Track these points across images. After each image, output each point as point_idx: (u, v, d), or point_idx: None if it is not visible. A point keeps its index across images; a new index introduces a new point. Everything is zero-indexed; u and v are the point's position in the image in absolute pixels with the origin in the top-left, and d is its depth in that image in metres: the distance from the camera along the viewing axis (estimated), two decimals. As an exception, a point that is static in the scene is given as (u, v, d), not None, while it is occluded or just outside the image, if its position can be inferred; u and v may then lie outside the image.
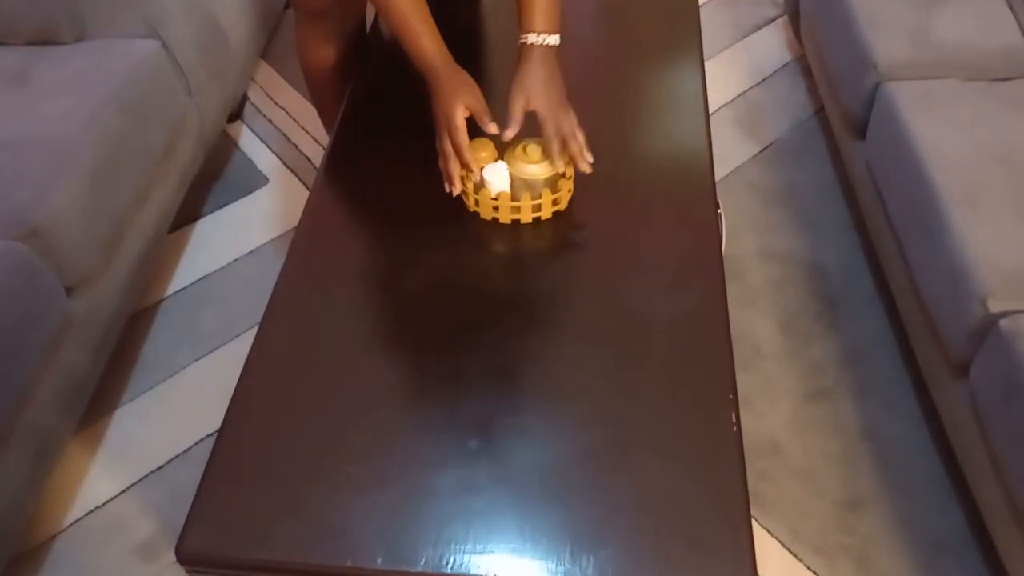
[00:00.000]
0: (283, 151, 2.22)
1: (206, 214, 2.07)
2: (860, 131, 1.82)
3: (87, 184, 1.50)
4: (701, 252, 1.22)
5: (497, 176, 1.22)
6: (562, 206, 1.26)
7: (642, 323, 1.13)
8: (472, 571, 0.90)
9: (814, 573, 1.44)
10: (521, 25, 1.25)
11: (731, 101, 2.33)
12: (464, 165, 1.22)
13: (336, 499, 0.96)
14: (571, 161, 1.24)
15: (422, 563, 0.91)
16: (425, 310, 1.15)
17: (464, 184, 1.24)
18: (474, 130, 1.22)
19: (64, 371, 1.46)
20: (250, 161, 2.20)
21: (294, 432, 1.02)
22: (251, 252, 1.98)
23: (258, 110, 2.33)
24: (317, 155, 2.19)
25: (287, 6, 2.51)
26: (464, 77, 1.25)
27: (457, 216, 1.26)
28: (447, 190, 1.24)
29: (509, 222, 1.25)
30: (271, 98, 2.37)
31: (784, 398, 1.68)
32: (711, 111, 2.30)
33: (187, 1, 1.90)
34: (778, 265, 1.92)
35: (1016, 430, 1.23)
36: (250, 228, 2.03)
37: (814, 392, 1.69)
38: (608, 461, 0.99)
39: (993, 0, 1.80)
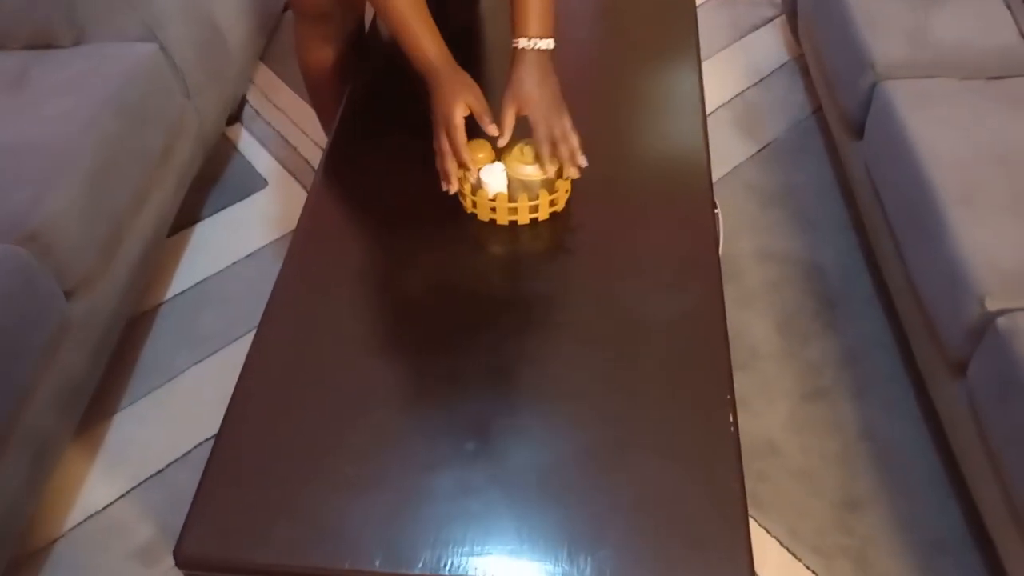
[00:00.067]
0: (282, 153, 2.22)
1: (205, 217, 2.07)
2: (858, 131, 1.82)
3: (85, 187, 1.50)
4: (698, 253, 1.22)
5: (494, 177, 1.22)
6: (559, 207, 1.27)
7: (639, 324, 1.13)
8: (470, 572, 0.90)
9: (813, 573, 1.44)
10: (514, 29, 1.25)
11: (729, 101, 2.33)
12: (461, 164, 1.22)
13: (334, 501, 0.96)
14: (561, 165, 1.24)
15: (420, 565, 0.91)
16: (423, 311, 1.15)
17: (462, 185, 1.24)
18: (472, 131, 1.23)
19: (63, 374, 1.46)
20: (249, 164, 2.20)
21: (292, 434, 1.02)
22: (250, 255, 1.98)
23: (257, 112, 2.34)
24: (316, 157, 2.20)
25: (286, 8, 2.51)
26: (465, 77, 1.25)
27: (455, 217, 1.26)
28: (444, 188, 1.24)
29: (506, 223, 1.25)
30: (270, 100, 2.37)
31: (782, 398, 1.68)
32: (709, 111, 2.30)
33: (185, 3, 1.90)
34: (776, 265, 1.92)
35: (1013, 428, 1.23)
36: (249, 231, 2.03)
37: (812, 392, 1.69)
38: (605, 462, 0.99)
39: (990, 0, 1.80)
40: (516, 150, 1.25)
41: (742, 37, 2.53)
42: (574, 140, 1.23)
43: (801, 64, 2.42)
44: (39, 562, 1.48)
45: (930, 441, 1.60)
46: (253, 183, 2.15)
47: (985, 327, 1.30)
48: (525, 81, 1.23)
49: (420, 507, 0.95)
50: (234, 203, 2.10)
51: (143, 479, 1.59)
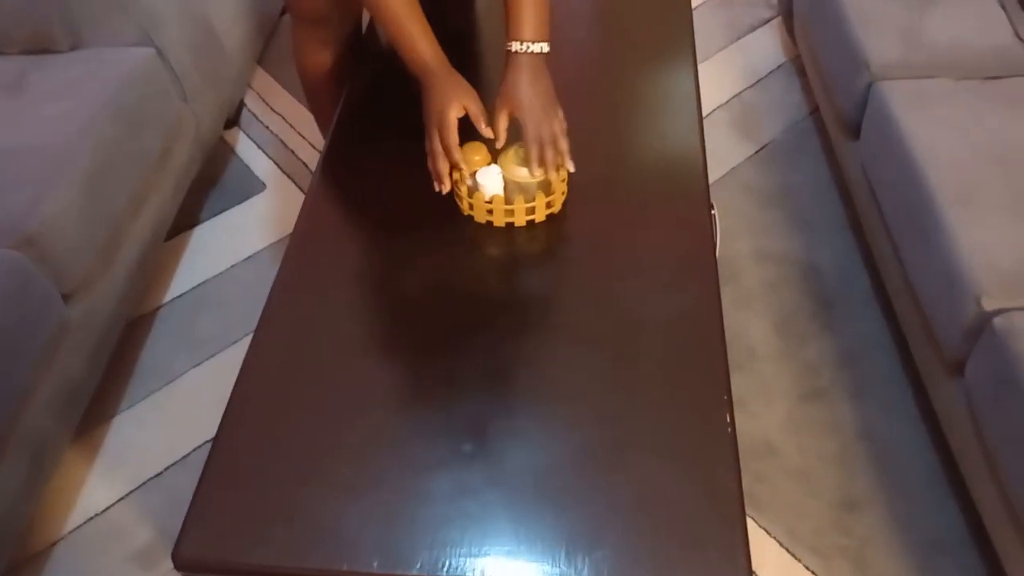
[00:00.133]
0: (280, 157, 2.23)
1: (203, 220, 2.07)
2: (854, 131, 1.83)
3: (83, 190, 1.50)
4: (695, 253, 1.22)
5: (491, 180, 1.23)
6: (556, 209, 1.27)
7: (636, 325, 1.13)
8: (468, 574, 0.90)
9: (812, 573, 1.44)
10: (508, 32, 1.25)
11: (726, 102, 2.33)
12: (453, 164, 1.22)
13: (332, 503, 0.96)
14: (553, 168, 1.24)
15: (418, 566, 0.91)
16: (420, 313, 1.16)
17: (458, 187, 1.24)
18: (468, 134, 1.23)
19: (61, 378, 1.46)
20: (247, 167, 2.20)
21: (290, 436, 1.03)
22: (248, 258, 1.98)
23: (255, 116, 2.34)
24: (314, 161, 2.20)
25: (283, 12, 2.51)
26: (461, 80, 1.25)
27: (451, 219, 1.26)
28: (436, 189, 1.24)
29: (503, 225, 1.25)
30: (268, 104, 2.38)
31: (779, 399, 1.68)
32: (706, 113, 2.30)
33: (182, 8, 1.90)
34: (773, 266, 1.92)
35: (1010, 428, 1.23)
36: (247, 234, 2.04)
37: (809, 393, 1.69)
38: (603, 463, 0.99)
39: None
40: (512, 152, 1.25)
41: (739, 38, 2.54)
42: (563, 144, 1.23)
43: (798, 65, 2.42)
44: (38, 565, 1.48)
45: (928, 441, 1.61)
46: (251, 186, 2.15)
47: (982, 327, 1.31)
48: (517, 84, 1.23)
49: (418, 508, 0.95)
50: (232, 206, 2.10)
51: (142, 482, 1.59)
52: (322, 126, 1.90)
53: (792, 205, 2.05)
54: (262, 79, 2.46)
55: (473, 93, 1.24)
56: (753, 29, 2.57)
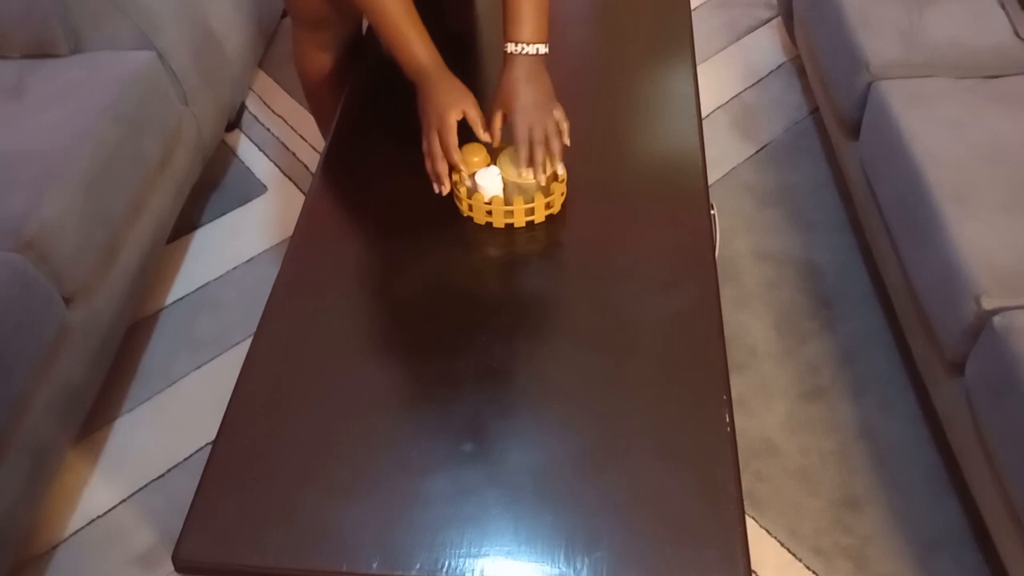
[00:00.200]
0: (281, 159, 2.23)
1: (204, 223, 2.08)
2: (854, 131, 1.83)
3: (83, 194, 1.51)
4: (694, 254, 1.22)
5: (490, 181, 1.23)
6: (555, 209, 1.27)
7: (636, 325, 1.13)
8: (467, 575, 0.91)
9: (812, 572, 1.44)
10: (505, 33, 1.25)
11: (726, 103, 2.33)
12: (452, 165, 1.22)
13: (331, 504, 0.96)
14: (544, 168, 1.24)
15: (417, 567, 0.91)
16: (420, 314, 1.16)
17: (457, 188, 1.25)
18: (466, 135, 1.23)
19: (62, 381, 1.46)
20: (248, 170, 2.21)
21: (289, 438, 1.03)
22: (249, 260, 1.98)
23: (256, 119, 2.34)
24: (315, 163, 2.20)
25: (284, 14, 2.52)
26: (458, 84, 1.25)
27: (451, 220, 1.27)
28: (436, 191, 1.24)
29: (502, 226, 1.25)
30: (269, 107, 2.38)
31: (780, 398, 1.68)
32: (706, 113, 2.30)
33: (182, 11, 1.91)
34: (774, 265, 1.92)
35: (1009, 426, 1.23)
36: (248, 237, 2.04)
37: (810, 391, 1.69)
38: (602, 463, 0.99)
39: (984, -2, 1.81)
40: (511, 153, 1.25)
41: (739, 39, 2.54)
42: (555, 145, 1.23)
43: (798, 65, 2.42)
44: (40, 567, 1.49)
45: (929, 439, 1.61)
46: (252, 189, 2.16)
47: (981, 326, 1.31)
48: (512, 86, 1.23)
49: (417, 510, 0.95)
50: (233, 209, 2.11)
51: (143, 484, 1.59)
52: (323, 129, 1.90)
53: (792, 205, 2.05)
54: (263, 81, 2.46)
55: (471, 97, 1.24)
56: (752, 29, 2.57)
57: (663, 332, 1.12)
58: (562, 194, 1.27)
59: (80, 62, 1.74)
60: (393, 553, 0.92)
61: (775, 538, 1.48)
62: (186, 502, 0.99)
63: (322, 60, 1.67)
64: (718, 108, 2.32)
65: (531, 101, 1.22)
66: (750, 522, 1.50)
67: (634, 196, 1.32)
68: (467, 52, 1.59)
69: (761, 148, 2.20)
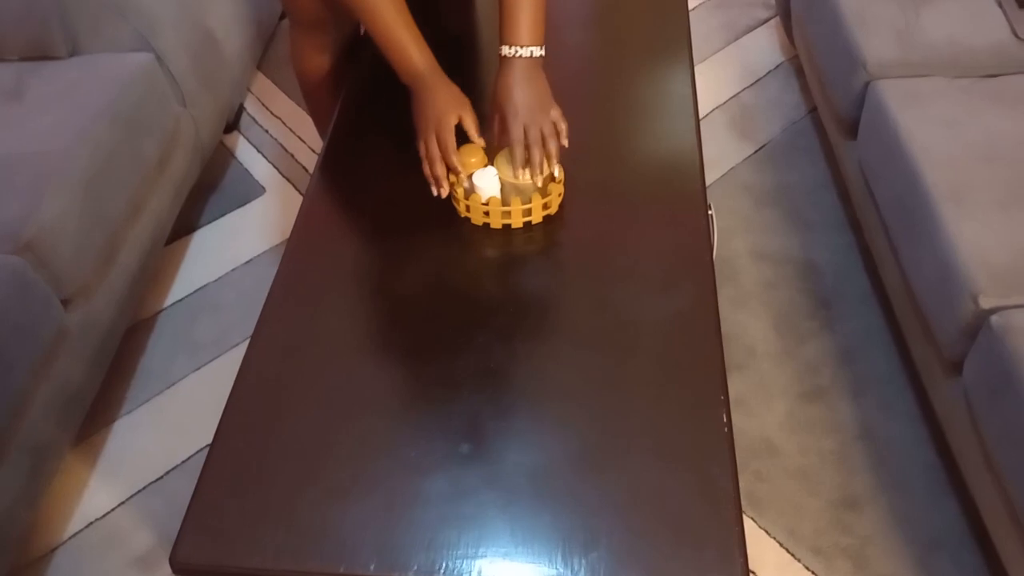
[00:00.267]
0: (279, 161, 2.23)
1: (203, 225, 2.08)
2: (851, 130, 1.83)
3: (81, 196, 1.51)
4: (692, 254, 1.22)
5: (487, 181, 1.23)
6: (553, 210, 1.27)
7: (633, 325, 1.13)
8: (465, 575, 0.91)
9: (812, 573, 1.44)
10: (501, 36, 1.25)
11: (724, 103, 2.33)
12: (451, 168, 1.22)
13: (329, 506, 0.96)
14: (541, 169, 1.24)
15: (415, 568, 0.91)
16: (418, 315, 1.16)
17: (454, 189, 1.25)
18: (463, 136, 1.23)
19: (61, 382, 1.46)
20: (247, 171, 2.21)
21: (287, 439, 1.03)
22: (248, 261, 1.98)
23: (254, 120, 2.35)
24: (313, 164, 2.20)
25: (282, 16, 2.52)
26: (454, 88, 1.25)
27: (449, 221, 1.27)
28: (435, 193, 1.24)
29: (500, 227, 1.25)
30: (267, 108, 2.38)
31: (779, 398, 1.68)
32: (704, 113, 2.30)
33: (180, 13, 1.91)
34: (772, 265, 1.92)
35: (1008, 426, 1.23)
36: (247, 238, 2.04)
37: (809, 391, 1.69)
38: (600, 463, 0.99)
39: (981, -2, 1.81)
40: (508, 154, 1.25)
41: (737, 39, 2.54)
42: (551, 146, 1.23)
43: (796, 65, 2.43)
44: (38, 570, 1.49)
45: (928, 439, 1.61)
46: (251, 190, 2.16)
47: (979, 325, 1.31)
48: (508, 89, 1.23)
49: (414, 510, 0.95)
50: (232, 210, 2.11)
51: (142, 487, 1.59)
52: (321, 130, 1.91)
53: (790, 204, 2.05)
54: (261, 83, 2.46)
55: (467, 102, 1.24)
56: (750, 30, 2.57)
57: (661, 332, 1.12)
58: (559, 195, 1.27)
59: (79, 64, 1.74)
60: (391, 554, 0.92)
61: (774, 538, 1.48)
62: (185, 504, 0.99)
63: (320, 61, 1.67)
64: (716, 108, 2.32)
65: (527, 103, 1.22)
66: (749, 522, 1.50)
67: (632, 196, 1.32)
68: (467, 55, 1.59)
69: (759, 148, 2.20)
